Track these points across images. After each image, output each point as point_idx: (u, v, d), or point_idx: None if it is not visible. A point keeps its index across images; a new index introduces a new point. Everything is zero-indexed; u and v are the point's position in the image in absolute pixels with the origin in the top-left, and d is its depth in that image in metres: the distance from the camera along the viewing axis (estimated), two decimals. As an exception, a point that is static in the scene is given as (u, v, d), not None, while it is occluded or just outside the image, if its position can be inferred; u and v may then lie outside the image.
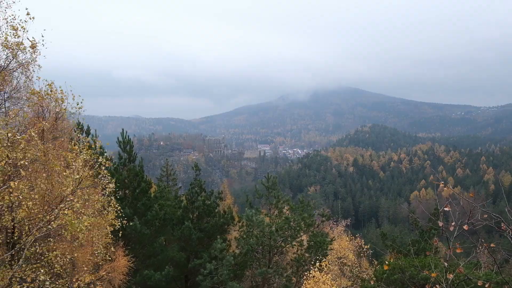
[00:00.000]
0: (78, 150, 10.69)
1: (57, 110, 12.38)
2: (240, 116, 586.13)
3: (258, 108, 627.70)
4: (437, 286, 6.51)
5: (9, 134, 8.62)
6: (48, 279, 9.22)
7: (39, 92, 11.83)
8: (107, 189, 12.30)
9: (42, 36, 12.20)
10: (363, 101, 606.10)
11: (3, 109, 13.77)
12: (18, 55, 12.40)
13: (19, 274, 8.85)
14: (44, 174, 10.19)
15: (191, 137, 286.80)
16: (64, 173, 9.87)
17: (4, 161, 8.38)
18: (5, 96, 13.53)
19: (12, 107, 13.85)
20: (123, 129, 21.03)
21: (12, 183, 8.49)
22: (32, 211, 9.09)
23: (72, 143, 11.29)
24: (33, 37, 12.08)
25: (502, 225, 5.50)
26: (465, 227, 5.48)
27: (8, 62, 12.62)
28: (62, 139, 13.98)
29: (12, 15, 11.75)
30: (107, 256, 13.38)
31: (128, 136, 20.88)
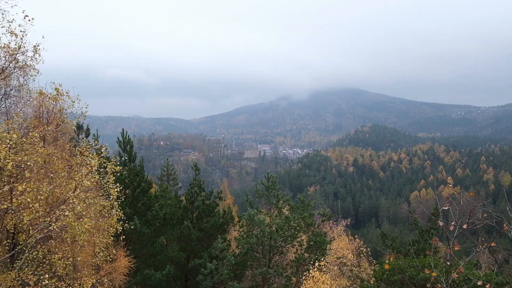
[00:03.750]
0: (82, 153, 10.73)
1: (63, 114, 12.36)
2: (240, 116, 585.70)
3: (258, 108, 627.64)
4: (438, 286, 6.51)
5: (15, 136, 8.62)
6: (52, 283, 9.18)
7: (43, 93, 11.80)
8: (112, 194, 12.29)
9: (45, 48, 12.20)
10: (363, 101, 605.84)
11: (2, 109, 13.75)
12: (17, 57, 12.39)
13: (21, 277, 8.82)
14: (46, 178, 10.21)
15: (191, 137, 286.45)
16: (67, 175, 9.89)
17: (11, 164, 8.38)
18: (4, 95, 13.49)
19: (12, 108, 13.84)
20: (123, 129, 21.00)
21: (19, 186, 8.49)
22: (37, 214, 9.09)
23: (76, 147, 11.31)
24: (36, 42, 12.06)
25: (505, 226, 5.49)
26: (464, 226, 5.48)
27: (8, 64, 12.61)
28: (62, 140, 13.99)
29: (11, 20, 11.66)
30: (108, 257, 13.37)
31: (129, 136, 20.87)
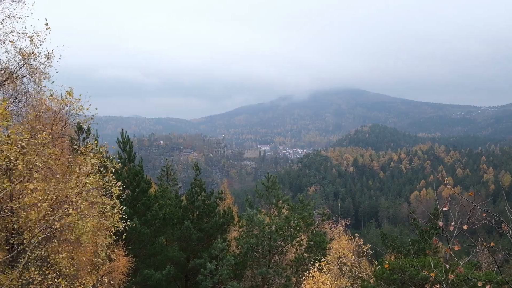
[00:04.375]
0: (86, 153, 10.75)
1: (69, 116, 12.40)
2: (240, 116, 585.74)
3: (258, 108, 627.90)
4: (437, 286, 6.51)
5: (27, 136, 8.65)
6: (57, 282, 9.18)
7: (54, 97, 11.79)
8: (113, 193, 12.30)
9: (60, 56, 12.27)
10: (363, 101, 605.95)
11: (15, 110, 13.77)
12: (29, 62, 12.47)
13: (25, 276, 8.82)
14: (53, 178, 10.24)
15: (191, 137, 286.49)
16: (72, 176, 9.91)
17: (21, 165, 8.40)
18: (12, 100, 13.50)
19: (19, 110, 13.88)
20: (122, 129, 21.03)
21: (30, 185, 8.51)
22: (41, 213, 9.09)
23: (80, 147, 11.31)
24: (52, 50, 12.14)
25: (503, 226, 5.49)
26: (465, 226, 5.48)
27: (19, 68, 12.67)
28: (61, 140, 13.99)
29: (31, 25, 11.78)
30: (109, 256, 13.37)
31: (128, 136, 20.89)
